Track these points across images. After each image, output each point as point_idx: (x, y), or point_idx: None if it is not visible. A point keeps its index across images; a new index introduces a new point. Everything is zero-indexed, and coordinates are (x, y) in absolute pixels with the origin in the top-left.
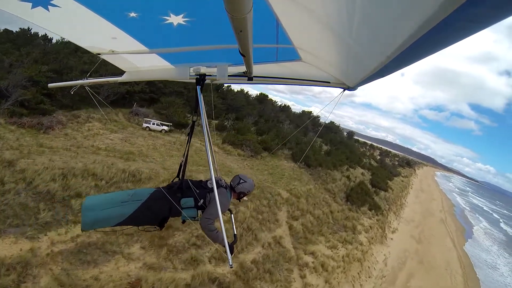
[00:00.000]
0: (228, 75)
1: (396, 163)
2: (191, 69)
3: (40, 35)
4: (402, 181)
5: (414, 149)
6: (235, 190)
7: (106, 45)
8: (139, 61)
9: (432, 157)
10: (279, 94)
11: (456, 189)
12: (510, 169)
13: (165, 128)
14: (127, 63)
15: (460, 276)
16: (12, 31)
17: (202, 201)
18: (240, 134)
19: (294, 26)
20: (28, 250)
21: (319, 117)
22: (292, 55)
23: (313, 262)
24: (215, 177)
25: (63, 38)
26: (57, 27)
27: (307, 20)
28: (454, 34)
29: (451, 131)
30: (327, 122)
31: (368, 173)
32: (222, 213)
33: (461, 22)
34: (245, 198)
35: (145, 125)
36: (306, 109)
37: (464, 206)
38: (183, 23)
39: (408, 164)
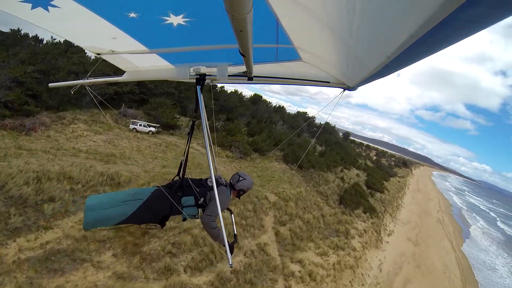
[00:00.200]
0: (228, 75)
1: (393, 163)
2: (191, 69)
3: (31, 36)
4: (399, 181)
5: (411, 149)
6: (235, 188)
7: (106, 45)
8: (139, 61)
9: (429, 157)
10: (275, 95)
11: (453, 188)
12: (506, 168)
13: (152, 129)
14: (127, 63)
15: (459, 280)
16: (3, 32)
17: (202, 199)
18: (230, 135)
19: (294, 26)
20: None
21: (314, 118)
22: (292, 55)
23: (300, 271)
24: (214, 176)
25: (54, 39)
26: (57, 28)
27: (307, 20)
28: (454, 34)
29: (447, 131)
30: (323, 123)
31: (363, 174)
32: (222, 211)
33: (461, 22)
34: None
35: (132, 126)
36: (301, 110)
37: (461, 206)
38: (183, 23)
39: (405, 164)
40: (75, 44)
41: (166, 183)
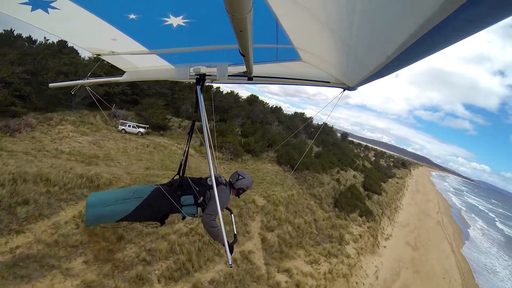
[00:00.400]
0: (228, 75)
1: (391, 164)
2: (191, 69)
3: (24, 37)
4: (397, 182)
5: (410, 149)
6: (234, 187)
7: (106, 46)
8: (139, 62)
9: (428, 157)
10: (273, 97)
11: (452, 188)
12: (505, 168)
13: (141, 130)
14: (127, 63)
15: (460, 285)
16: None
17: (201, 198)
18: (222, 136)
19: (294, 27)
20: None
21: (312, 118)
22: (292, 55)
23: (286, 282)
24: (214, 175)
25: (47, 40)
26: (57, 29)
27: (307, 20)
28: (454, 34)
29: (446, 131)
30: (321, 123)
31: (361, 176)
32: (221, 210)
33: (461, 22)
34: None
35: (120, 127)
36: (299, 110)
37: (460, 206)
38: (183, 24)
39: (403, 164)
40: (69, 45)
41: (167, 182)
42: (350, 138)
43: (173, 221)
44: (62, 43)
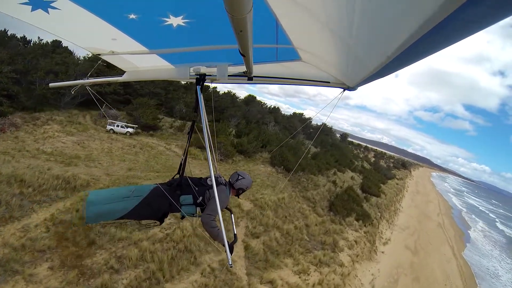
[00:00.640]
0: (228, 75)
1: (391, 165)
2: (191, 69)
3: (19, 37)
4: (397, 184)
5: (410, 150)
6: (234, 187)
7: (106, 46)
8: (139, 61)
9: (428, 158)
10: (273, 97)
11: (452, 189)
12: (505, 168)
13: (130, 130)
14: (127, 63)
15: None
16: None
17: (201, 198)
18: (214, 136)
19: (294, 27)
20: None
21: (311, 119)
22: (292, 55)
23: None
24: (214, 175)
25: (41, 40)
26: (57, 29)
27: (307, 21)
28: (454, 34)
29: (446, 132)
30: (319, 124)
31: (359, 177)
32: (221, 210)
33: (461, 22)
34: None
35: (109, 127)
36: (297, 111)
37: (461, 207)
38: (183, 24)
39: (404, 165)
40: (64, 45)
41: (167, 181)
42: (350, 139)
43: (148, 225)
44: (57, 43)
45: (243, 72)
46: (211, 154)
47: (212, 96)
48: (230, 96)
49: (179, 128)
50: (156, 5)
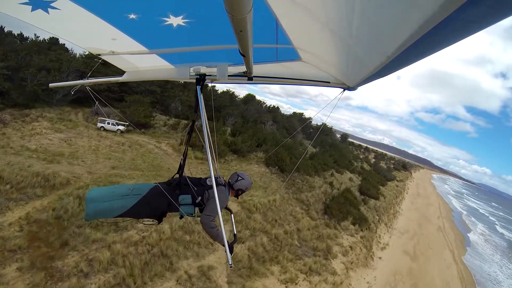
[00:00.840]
0: (228, 75)
1: (392, 166)
2: (191, 69)
3: (16, 34)
4: (397, 186)
5: (411, 151)
6: (234, 188)
7: (106, 46)
8: (139, 61)
9: (429, 159)
10: (275, 97)
11: (453, 191)
12: (506, 171)
13: (121, 128)
14: (127, 63)
15: None
16: None
17: (200, 198)
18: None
19: (294, 27)
20: None
21: (311, 119)
22: (292, 55)
23: None
24: (214, 175)
25: (37, 37)
26: (57, 29)
27: (307, 20)
28: (454, 34)
29: (447, 134)
30: (319, 124)
31: (358, 178)
32: (220, 210)
33: (461, 22)
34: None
35: (99, 124)
36: (297, 110)
37: (462, 210)
38: (183, 24)
39: (404, 167)
40: (61, 42)
41: (166, 181)
42: (350, 140)
43: (125, 227)
44: (53, 40)
45: (243, 72)
46: (211, 154)
47: (212, 96)
48: (228, 95)
49: (173, 126)
50: (156, 5)
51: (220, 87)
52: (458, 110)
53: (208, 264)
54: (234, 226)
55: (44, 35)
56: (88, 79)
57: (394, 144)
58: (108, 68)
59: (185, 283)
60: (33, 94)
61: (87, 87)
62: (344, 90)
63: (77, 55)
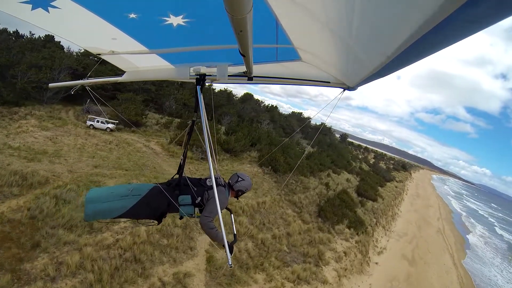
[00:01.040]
0: (228, 75)
1: (391, 166)
2: (191, 69)
3: (12, 31)
4: (396, 186)
5: (411, 152)
6: (233, 188)
7: (106, 46)
8: (139, 61)
9: (429, 160)
10: (275, 97)
11: (452, 192)
12: (505, 172)
13: (110, 126)
14: (127, 63)
15: None
16: None
17: (199, 198)
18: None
19: (294, 27)
20: None
21: (310, 119)
22: (292, 55)
23: None
24: (214, 176)
25: (32, 34)
26: (57, 28)
27: (307, 20)
28: (454, 34)
29: (447, 134)
30: (318, 124)
31: (356, 179)
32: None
33: (461, 22)
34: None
35: (89, 122)
36: (296, 110)
37: (461, 211)
38: (183, 24)
39: (404, 167)
40: (56, 39)
41: (166, 181)
42: (350, 140)
43: (100, 229)
44: (49, 38)
45: (243, 72)
46: (211, 155)
47: (212, 96)
48: (226, 94)
49: (165, 125)
50: (156, 4)
51: (218, 86)
52: (459, 111)
53: (185, 271)
54: (234, 226)
55: (39, 33)
56: (88, 79)
57: (394, 145)
58: (103, 66)
59: None
60: (24, 91)
61: (87, 87)
62: (344, 90)
63: (74, 53)
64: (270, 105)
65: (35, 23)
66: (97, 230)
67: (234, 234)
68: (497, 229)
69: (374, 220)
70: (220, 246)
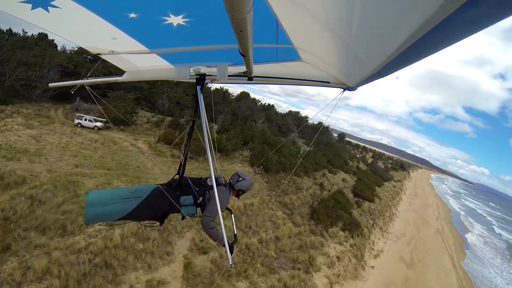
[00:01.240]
0: (228, 75)
1: (390, 166)
2: (191, 69)
3: (5, 30)
4: (394, 186)
5: (409, 151)
6: (234, 188)
7: (106, 46)
8: (139, 61)
9: (427, 159)
10: (274, 96)
11: (450, 191)
12: (503, 171)
13: (98, 124)
14: (127, 63)
15: None
16: None
17: (201, 198)
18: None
19: (294, 27)
20: None
21: (308, 119)
22: (292, 55)
23: None
24: (214, 175)
25: (25, 32)
26: (56, 28)
27: (307, 20)
28: (454, 34)
29: (445, 134)
30: (316, 123)
31: (352, 179)
32: (221, 211)
33: (461, 23)
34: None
35: (76, 121)
36: (295, 109)
37: (459, 210)
38: (183, 23)
39: (402, 167)
40: (50, 38)
41: (167, 182)
42: (348, 139)
43: (73, 231)
44: (42, 36)
45: (243, 72)
46: (211, 155)
47: (212, 96)
48: (222, 92)
49: (156, 123)
50: (156, 4)
51: (214, 85)
52: (457, 111)
53: (160, 278)
54: (234, 226)
55: (33, 31)
56: (87, 78)
57: (392, 144)
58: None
59: None
60: (12, 89)
61: (87, 87)
62: (344, 90)
63: (67, 51)
64: (266, 104)
65: (35, 23)
66: (70, 233)
67: (235, 234)
68: (495, 228)
69: (371, 221)
70: (220, 245)
